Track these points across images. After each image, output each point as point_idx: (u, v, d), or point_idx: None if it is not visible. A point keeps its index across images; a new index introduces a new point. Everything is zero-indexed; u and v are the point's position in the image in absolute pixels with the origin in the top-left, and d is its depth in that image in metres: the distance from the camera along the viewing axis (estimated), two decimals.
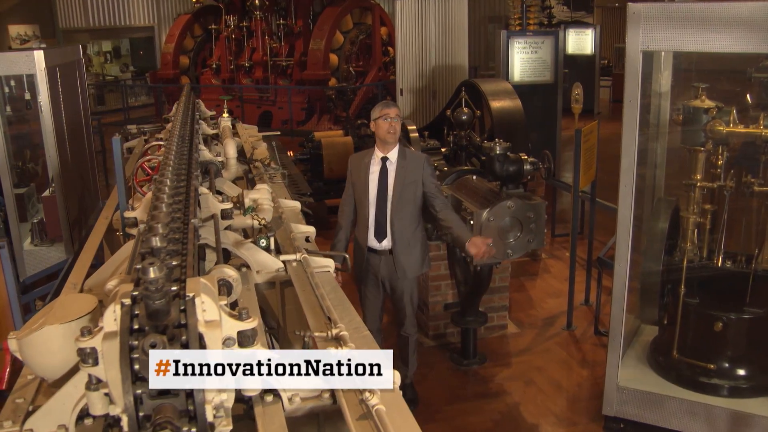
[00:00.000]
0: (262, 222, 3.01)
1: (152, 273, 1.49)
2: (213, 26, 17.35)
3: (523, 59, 10.25)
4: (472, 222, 4.59)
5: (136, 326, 1.52)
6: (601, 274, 5.89)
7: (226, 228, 2.90)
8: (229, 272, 2.06)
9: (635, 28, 3.83)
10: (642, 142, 4.16)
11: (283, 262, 2.85)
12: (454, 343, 5.61)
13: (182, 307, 1.57)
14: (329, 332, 2.11)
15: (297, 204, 3.97)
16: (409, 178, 4.32)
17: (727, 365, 4.20)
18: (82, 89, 7.35)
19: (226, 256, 2.92)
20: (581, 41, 17.45)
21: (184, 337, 1.51)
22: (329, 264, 3.01)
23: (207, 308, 1.60)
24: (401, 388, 4.95)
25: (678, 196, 4.59)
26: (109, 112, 19.24)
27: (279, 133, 7.55)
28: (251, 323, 1.70)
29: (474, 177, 5.25)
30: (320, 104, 15.73)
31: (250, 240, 2.83)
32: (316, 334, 2.14)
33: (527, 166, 5.10)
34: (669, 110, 4.67)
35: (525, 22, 11.72)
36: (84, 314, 1.91)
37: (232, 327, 1.68)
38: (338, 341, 2.04)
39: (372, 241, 4.41)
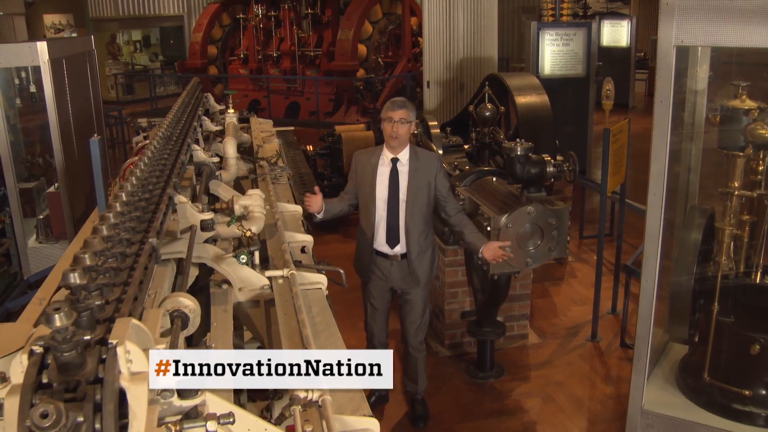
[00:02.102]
0: (248, 233, 2.75)
1: (58, 321, 1.25)
2: (241, 15, 17.18)
3: (553, 52, 9.88)
4: (489, 228, 4.29)
5: (45, 380, 1.29)
6: (629, 280, 5.53)
7: (207, 240, 2.65)
8: (185, 302, 1.81)
9: (668, 21, 3.46)
10: (675, 143, 3.81)
11: (269, 278, 2.61)
12: (471, 353, 5.31)
13: (103, 356, 1.33)
14: None
15: (298, 208, 3.71)
16: (422, 181, 4.04)
17: (764, 392, 3.82)
18: (93, 81, 7.16)
19: (209, 272, 2.68)
20: (616, 33, 16.91)
21: (98, 396, 1.26)
22: (321, 280, 2.76)
23: (133, 357, 1.35)
24: (411, 403, 4.67)
25: (713, 203, 4.23)
26: (137, 101, 19.23)
27: (293, 128, 7.32)
28: None
29: (494, 179, 4.92)
30: (348, 95, 15.47)
31: (231, 254, 2.57)
32: None
33: (550, 169, 4.78)
34: (705, 109, 4.30)
35: (558, 13, 11.33)
36: (12, 351, 1.67)
37: None
38: None
39: (383, 247, 4.14)
